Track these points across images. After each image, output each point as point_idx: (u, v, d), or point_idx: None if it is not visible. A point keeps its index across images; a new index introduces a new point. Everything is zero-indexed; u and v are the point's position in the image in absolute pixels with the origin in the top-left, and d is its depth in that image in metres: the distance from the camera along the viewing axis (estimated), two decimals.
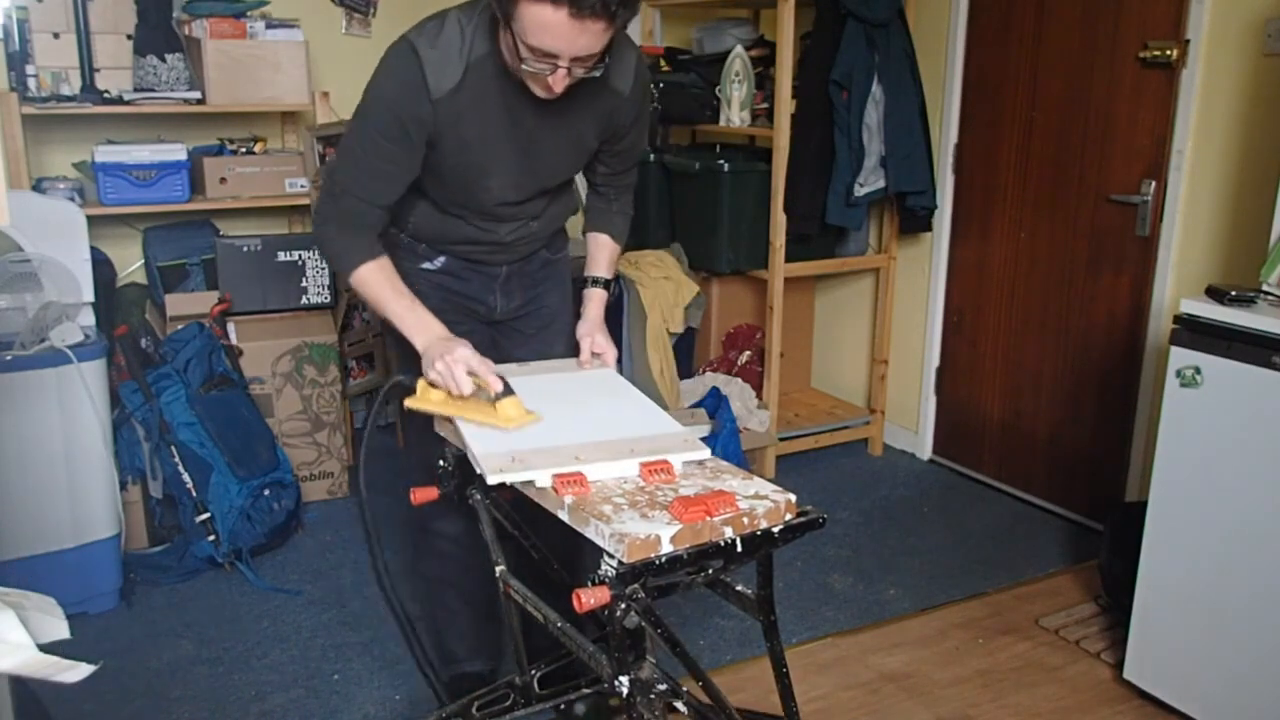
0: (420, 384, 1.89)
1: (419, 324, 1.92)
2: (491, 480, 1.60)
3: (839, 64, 3.38)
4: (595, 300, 2.20)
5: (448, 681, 2.30)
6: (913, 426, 4.04)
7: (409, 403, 1.91)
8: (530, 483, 1.60)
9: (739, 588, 1.68)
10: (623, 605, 1.43)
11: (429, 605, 2.35)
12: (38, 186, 3.32)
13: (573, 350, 2.16)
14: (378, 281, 1.95)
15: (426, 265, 2.15)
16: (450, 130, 1.89)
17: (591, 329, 2.14)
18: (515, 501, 1.82)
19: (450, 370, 1.81)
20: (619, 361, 2.17)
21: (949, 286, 3.83)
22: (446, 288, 2.16)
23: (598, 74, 1.79)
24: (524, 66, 1.74)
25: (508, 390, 1.77)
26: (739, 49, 3.66)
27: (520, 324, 2.26)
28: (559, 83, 1.75)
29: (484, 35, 1.85)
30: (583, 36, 1.66)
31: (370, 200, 1.93)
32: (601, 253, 2.25)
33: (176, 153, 3.39)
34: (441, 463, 1.93)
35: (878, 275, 3.99)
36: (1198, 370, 2.21)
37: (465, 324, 2.16)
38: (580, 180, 2.32)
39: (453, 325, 2.13)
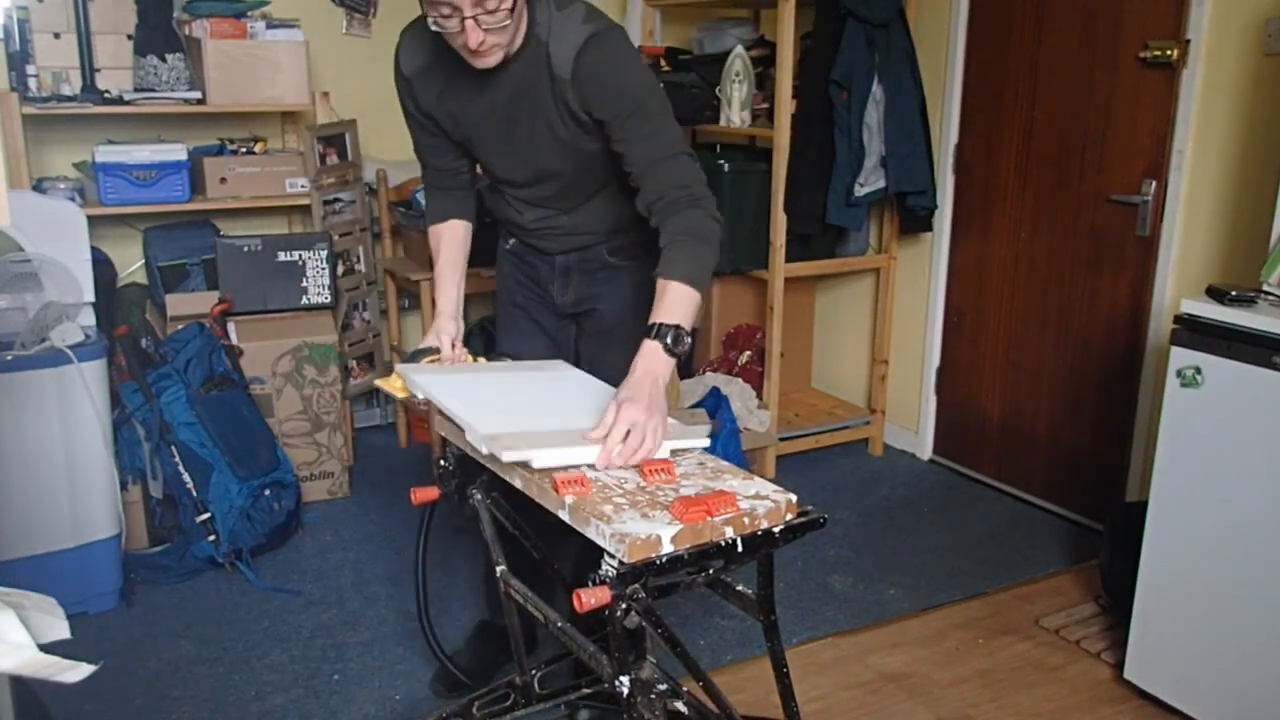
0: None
1: (438, 297, 2.14)
2: (508, 458, 1.58)
3: (839, 64, 3.38)
4: (641, 356, 1.73)
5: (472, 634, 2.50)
6: (913, 426, 4.04)
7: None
8: (528, 465, 1.59)
9: (739, 588, 1.68)
10: (623, 605, 1.43)
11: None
12: (38, 186, 3.31)
13: (624, 365, 1.76)
14: (435, 243, 2.20)
15: (505, 245, 2.33)
16: (436, 106, 2.03)
17: (624, 394, 1.67)
18: (515, 502, 1.82)
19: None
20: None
21: (949, 286, 3.83)
22: (519, 269, 2.31)
23: (506, 24, 1.76)
24: (433, 27, 1.77)
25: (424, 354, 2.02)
26: (739, 49, 3.65)
27: (583, 320, 2.31)
28: (473, 38, 1.74)
29: None
30: None
31: (431, 166, 2.19)
32: (661, 295, 1.79)
33: (176, 153, 3.38)
34: (442, 462, 1.93)
35: (878, 275, 3.99)
36: (1198, 370, 2.21)
37: (535, 305, 2.31)
38: None
39: (526, 305, 2.32)
